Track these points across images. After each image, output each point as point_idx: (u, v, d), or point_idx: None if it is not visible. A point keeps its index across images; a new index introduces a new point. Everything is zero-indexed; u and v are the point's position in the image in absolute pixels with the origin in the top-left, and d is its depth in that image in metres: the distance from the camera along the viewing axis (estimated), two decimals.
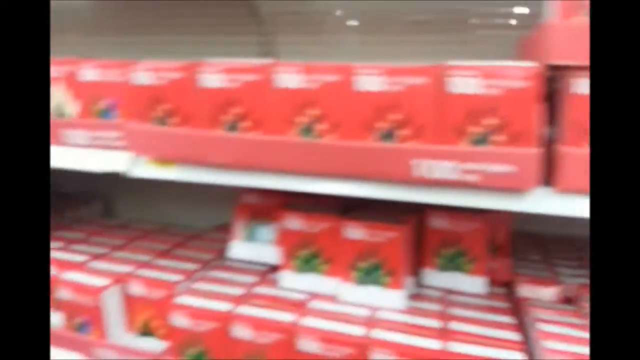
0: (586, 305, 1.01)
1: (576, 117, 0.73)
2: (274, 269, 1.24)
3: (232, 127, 0.89)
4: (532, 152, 0.73)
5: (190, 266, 1.23)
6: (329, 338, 0.93)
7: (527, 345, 0.93)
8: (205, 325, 1.02)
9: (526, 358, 0.87)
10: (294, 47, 1.47)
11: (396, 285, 1.01)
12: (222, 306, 1.04)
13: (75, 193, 1.80)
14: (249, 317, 1.00)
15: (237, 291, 1.11)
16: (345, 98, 0.82)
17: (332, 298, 1.07)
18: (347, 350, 0.91)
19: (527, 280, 1.09)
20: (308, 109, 0.84)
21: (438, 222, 1.10)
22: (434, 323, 0.97)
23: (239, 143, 0.88)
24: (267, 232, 1.23)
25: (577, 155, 0.73)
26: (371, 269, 1.03)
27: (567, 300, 1.06)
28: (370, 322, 0.97)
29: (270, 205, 1.24)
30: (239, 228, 1.25)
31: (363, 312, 1.01)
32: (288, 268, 1.12)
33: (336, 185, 0.86)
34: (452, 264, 1.11)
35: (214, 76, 0.87)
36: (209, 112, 0.90)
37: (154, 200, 1.77)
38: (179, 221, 1.67)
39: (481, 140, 0.76)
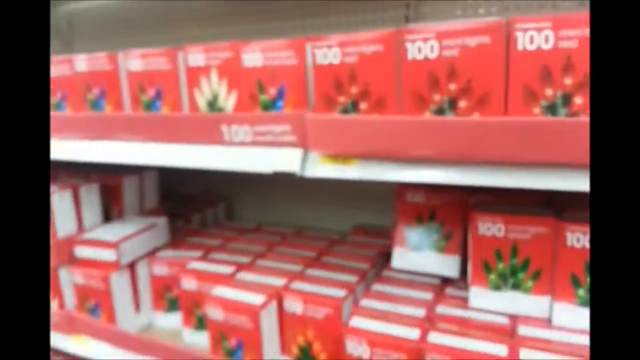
0: None
1: None
2: (446, 281, 1.04)
3: (444, 109, 0.70)
4: None
5: (347, 278, 1.06)
6: None
7: None
8: (393, 357, 0.84)
9: None
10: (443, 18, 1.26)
11: None
12: (409, 333, 0.85)
13: (198, 195, 1.71)
14: (447, 348, 0.81)
15: (418, 312, 0.92)
16: None
17: (543, 322, 0.85)
18: None
19: None
20: (561, 78, 0.62)
21: None
22: None
23: (456, 129, 0.68)
24: (436, 237, 1.03)
25: None
26: None
27: None
28: None
29: (439, 205, 1.04)
30: (403, 232, 1.06)
31: None
32: (480, 284, 0.91)
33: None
34: None
35: (424, 44, 0.67)
36: (414, 92, 0.70)
37: (275, 200, 1.63)
38: (301, 222, 1.52)
39: None
